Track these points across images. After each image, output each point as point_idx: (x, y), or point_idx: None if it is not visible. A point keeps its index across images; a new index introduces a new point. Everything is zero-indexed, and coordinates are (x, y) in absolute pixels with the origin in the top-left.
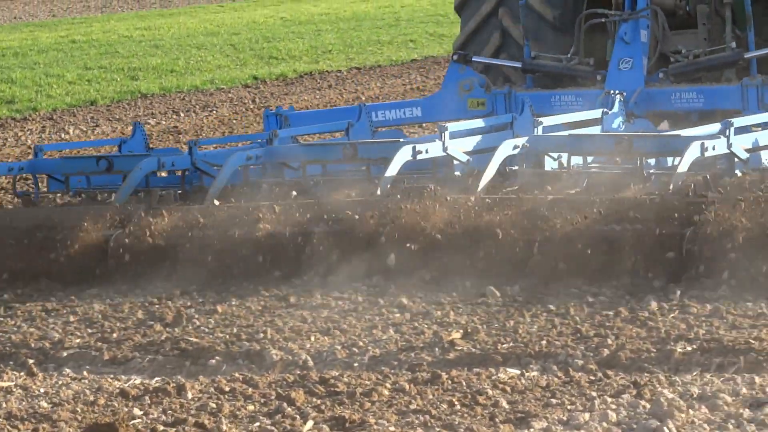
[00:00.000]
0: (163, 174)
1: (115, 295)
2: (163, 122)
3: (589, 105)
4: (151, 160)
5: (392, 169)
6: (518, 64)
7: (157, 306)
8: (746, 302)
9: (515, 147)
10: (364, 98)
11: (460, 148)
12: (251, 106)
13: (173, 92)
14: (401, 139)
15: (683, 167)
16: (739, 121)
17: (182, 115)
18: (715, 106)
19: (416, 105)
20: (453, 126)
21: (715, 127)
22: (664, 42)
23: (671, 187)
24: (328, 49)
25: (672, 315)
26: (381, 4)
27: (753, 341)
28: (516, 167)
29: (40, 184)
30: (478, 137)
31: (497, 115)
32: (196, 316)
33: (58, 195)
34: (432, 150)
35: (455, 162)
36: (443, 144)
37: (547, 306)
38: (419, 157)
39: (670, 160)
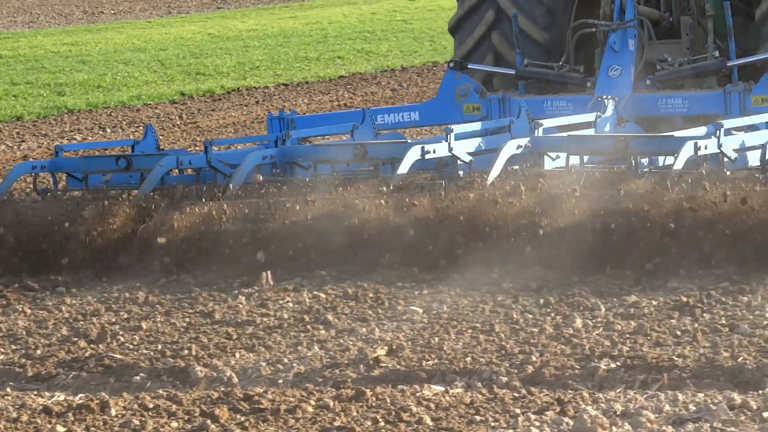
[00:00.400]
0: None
1: (40, 311)
2: (90, 138)
3: (579, 110)
4: (170, 158)
5: (403, 168)
6: (512, 71)
7: (81, 322)
8: (670, 320)
9: (519, 147)
10: None
11: (463, 149)
12: (178, 122)
13: (100, 108)
14: (409, 140)
15: (679, 165)
16: (728, 123)
17: (109, 131)
18: (699, 112)
19: (414, 109)
20: (457, 128)
21: (706, 128)
22: (649, 51)
23: (668, 183)
24: (256, 65)
25: (596, 332)
26: (309, 21)
27: (676, 358)
28: (516, 167)
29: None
30: (479, 139)
31: (492, 119)
32: (121, 333)
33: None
34: (439, 150)
35: (459, 162)
36: (449, 144)
37: (472, 323)
38: (427, 156)
39: (661, 160)
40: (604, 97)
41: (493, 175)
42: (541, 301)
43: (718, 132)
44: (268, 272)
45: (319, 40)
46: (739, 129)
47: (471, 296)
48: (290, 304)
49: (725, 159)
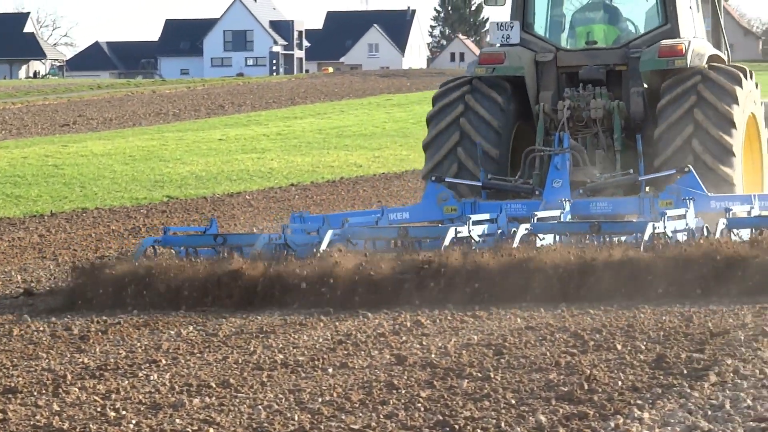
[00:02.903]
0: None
1: None
2: None
3: (532, 210)
4: (264, 236)
5: (446, 241)
6: (479, 183)
7: None
8: None
9: (526, 229)
10: None
11: (476, 232)
12: None
13: None
14: (441, 224)
15: (646, 238)
16: (670, 212)
17: None
18: (619, 212)
19: (405, 210)
20: (474, 217)
21: (655, 215)
22: (574, 172)
23: (641, 249)
24: None
25: None
26: None
27: None
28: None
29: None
30: (483, 226)
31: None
32: None
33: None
34: (463, 231)
35: (473, 240)
36: (468, 228)
37: None
38: (458, 235)
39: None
40: (563, 199)
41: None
42: None
43: (664, 218)
44: None
45: None
46: (675, 217)
47: None
48: None
49: (668, 237)
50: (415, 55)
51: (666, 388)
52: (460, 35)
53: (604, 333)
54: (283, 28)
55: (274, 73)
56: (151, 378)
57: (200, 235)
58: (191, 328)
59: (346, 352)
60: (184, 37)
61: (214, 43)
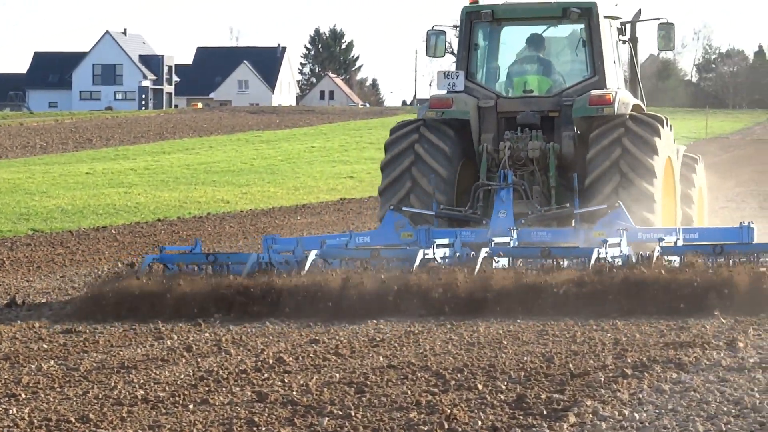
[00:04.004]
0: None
1: None
2: None
3: (481, 238)
4: (254, 255)
5: (416, 262)
6: (432, 213)
7: None
8: None
9: (486, 252)
10: None
11: (438, 255)
12: None
13: None
14: (407, 247)
15: (592, 263)
16: (610, 240)
17: None
18: (557, 240)
19: (367, 235)
20: (438, 241)
21: (599, 243)
22: (516, 205)
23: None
24: None
25: None
26: None
27: None
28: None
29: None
30: (446, 249)
31: (420, 243)
32: None
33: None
34: (429, 254)
35: (436, 260)
36: (433, 251)
37: None
38: (426, 257)
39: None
40: (512, 228)
41: (476, 269)
42: None
43: (605, 245)
44: None
45: None
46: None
47: None
48: None
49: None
50: (285, 92)
51: (525, 429)
52: (330, 73)
53: (465, 372)
54: (152, 62)
55: (143, 108)
56: (10, 412)
57: (194, 254)
58: (52, 362)
59: (207, 389)
60: (52, 69)
61: (83, 77)
